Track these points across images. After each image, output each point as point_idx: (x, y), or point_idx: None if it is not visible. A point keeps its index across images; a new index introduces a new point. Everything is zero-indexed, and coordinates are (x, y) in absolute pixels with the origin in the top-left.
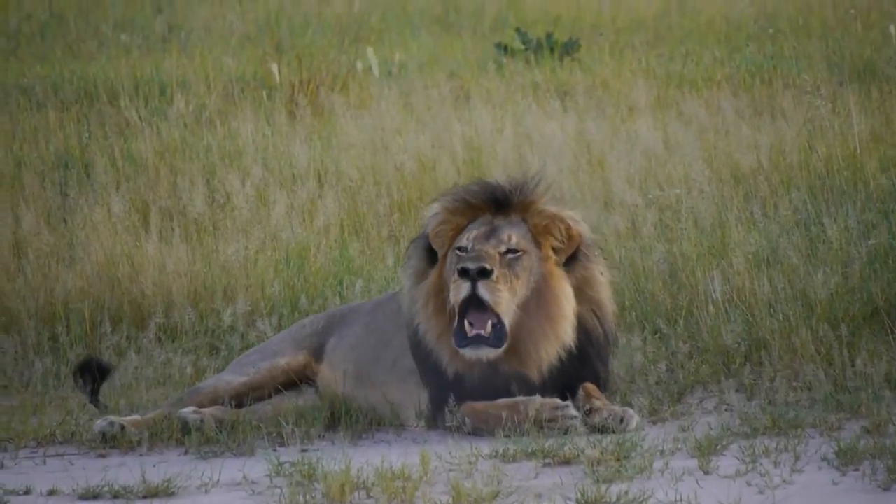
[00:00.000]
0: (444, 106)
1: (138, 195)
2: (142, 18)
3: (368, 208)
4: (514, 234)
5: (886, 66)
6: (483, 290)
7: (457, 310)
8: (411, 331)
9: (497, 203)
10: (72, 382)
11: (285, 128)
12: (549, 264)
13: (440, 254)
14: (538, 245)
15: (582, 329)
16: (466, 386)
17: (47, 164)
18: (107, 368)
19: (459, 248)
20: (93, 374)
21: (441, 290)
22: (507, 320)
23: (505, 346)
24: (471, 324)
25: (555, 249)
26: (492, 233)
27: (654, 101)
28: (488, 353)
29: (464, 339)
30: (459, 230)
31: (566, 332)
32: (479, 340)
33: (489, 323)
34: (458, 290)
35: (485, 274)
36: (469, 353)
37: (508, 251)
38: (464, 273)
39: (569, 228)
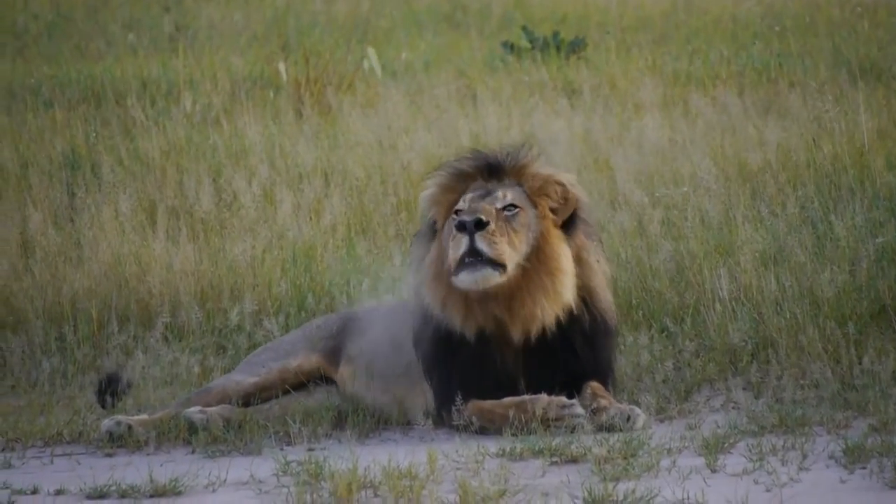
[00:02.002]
0: (450, 105)
1: (145, 195)
2: (149, 18)
3: (375, 207)
4: (509, 193)
5: (893, 63)
6: (480, 241)
7: (454, 267)
8: (415, 320)
9: (490, 169)
10: (94, 399)
11: (292, 127)
12: (547, 223)
13: (438, 226)
14: (535, 205)
15: (568, 314)
16: (468, 358)
17: (54, 163)
18: (128, 385)
19: (457, 212)
20: (116, 393)
21: (441, 258)
22: (511, 266)
23: (503, 274)
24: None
25: (553, 210)
26: (487, 193)
27: (661, 100)
28: (487, 275)
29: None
30: (456, 202)
31: (566, 287)
32: (476, 264)
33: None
34: (458, 246)
35: (481, 225)
36: (467, 276)
37: (505, 207)
38: (461, 227)
39: (565, 190)
